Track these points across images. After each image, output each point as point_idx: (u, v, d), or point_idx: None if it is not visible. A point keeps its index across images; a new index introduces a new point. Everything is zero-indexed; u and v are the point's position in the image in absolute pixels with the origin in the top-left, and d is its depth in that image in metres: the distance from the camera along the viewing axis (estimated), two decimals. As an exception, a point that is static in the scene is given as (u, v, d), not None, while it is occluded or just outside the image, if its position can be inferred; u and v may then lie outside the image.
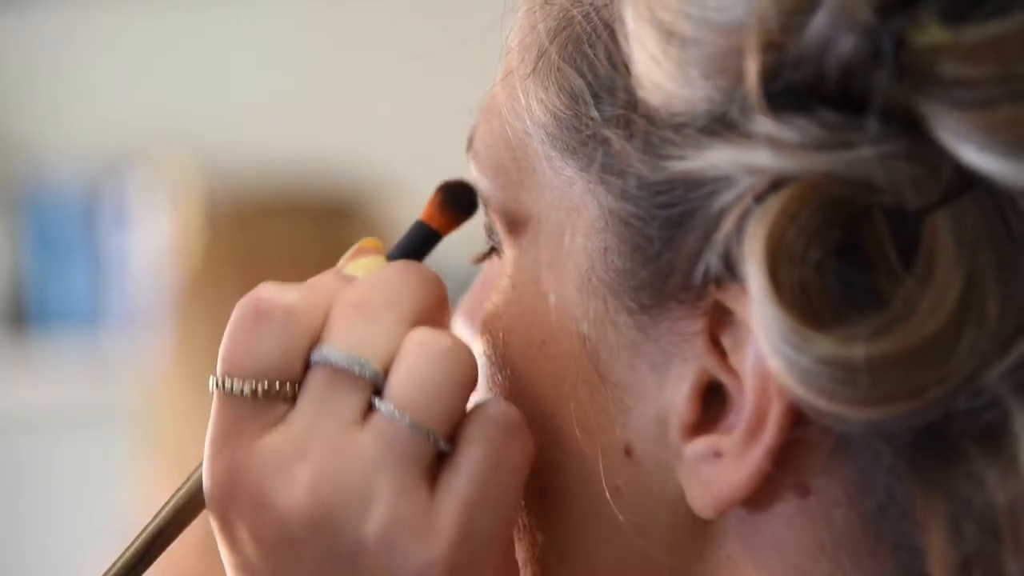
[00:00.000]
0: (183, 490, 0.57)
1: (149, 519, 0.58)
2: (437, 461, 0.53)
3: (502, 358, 0.56)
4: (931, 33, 0.46)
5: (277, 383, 0.54)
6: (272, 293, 0.55)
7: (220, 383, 0.54)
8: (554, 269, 0.55)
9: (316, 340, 0.54)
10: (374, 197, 1.75)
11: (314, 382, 0.54)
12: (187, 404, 1.52)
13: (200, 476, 0.56)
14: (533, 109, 0.55)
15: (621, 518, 0.53)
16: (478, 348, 0.58)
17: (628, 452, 0.53)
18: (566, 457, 0.55)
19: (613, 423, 0.53)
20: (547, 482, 0.55)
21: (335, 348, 0.54)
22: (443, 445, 0.53)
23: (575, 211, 0.54)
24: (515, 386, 0.56)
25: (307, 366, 0.54)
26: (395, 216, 1.74)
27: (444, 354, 0.53)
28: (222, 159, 2.37)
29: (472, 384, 0.54)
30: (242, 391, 0.54)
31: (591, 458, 0.54)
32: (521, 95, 0.55)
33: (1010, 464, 0.48)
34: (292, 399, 0.54)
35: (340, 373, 0.53)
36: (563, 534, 0.55)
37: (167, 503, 0.58)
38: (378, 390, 0.53)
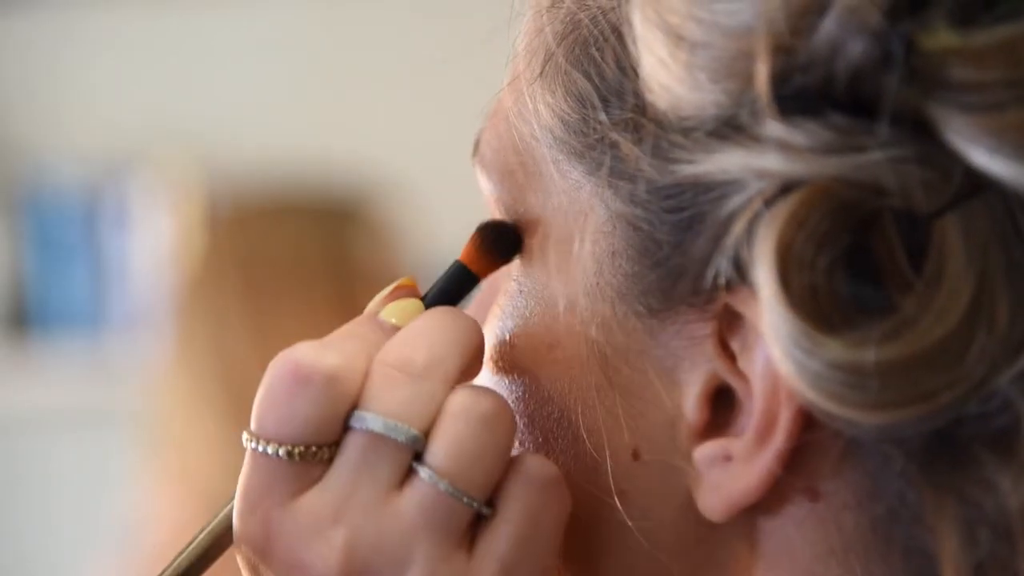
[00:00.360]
0: (209, 530, 0.57)
1: (173, 558, 0.57)
2: (475, 521, 0.53)
3: (509, 362, 0.56)
4: (941, 37, 0.46)
5: (314, 447, 0.53)
6: (311, 356, 0.54)
7: (255, 444, 0.54)
8: (562, 273, 0.55)
9: (355, 402, 0.54)
10: (375, 198, 1.75)
11: (353, 447, 0.53)
12: (188, 405, 1.52)
13: (224, 516, 0.56)
14: (540, 113, 0.55)
15: (629, 522, 0.53)
16: (486, 351, 0.57)
17: (636, 455, 0.53)
18: (575, 460, 0.55)
19: (621, 427, 0.53)
20: None
21: (375, 414, 0.53)
22: (483, 509, 0.53)
23: (583, 215, 0.54)
24: (522, 389, 0.56)
25: (345, 428, 0.53)
26: (396, 217, 1.74)
27: (486, 420, 0.53)
28: (223, 161, 2.37)
29: (512, 443, 0.54)
30: (277, 453, 0.53)
31: (599, 461, 0.54)
32: (528, 99, 0.55)
33: (1023, 469, 0.47)
34: (329, 461, 0.53)
35: (380, 439, 0.53)
36: (573, 537, 0.55)
37: (191, 543, 0.57)
38: (418, 453, 0.53)
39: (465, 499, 0.52)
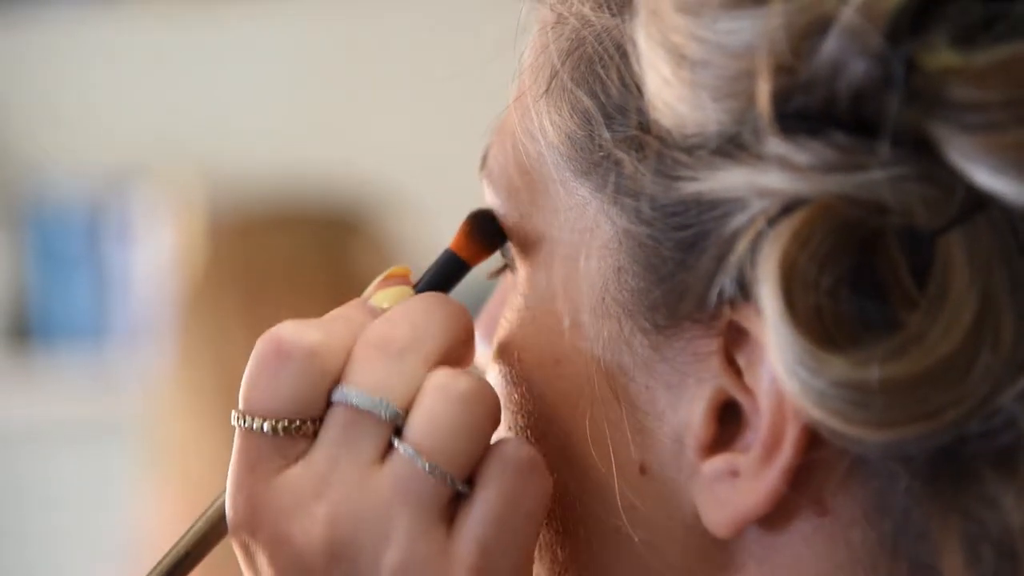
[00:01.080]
0: (207, 515, 0.58)
1: (172, 544, 0.58)
2: (455, 501, 0.54)
3: (517, 376, 0.57)
4: (941, 56, 0.46)
5: (298, 421, 0.54)
6: (293, 332, 0.55)
7: (241, 420, 0.55)
8: (568, 290, 0.55)
9: (338, 378, 0.55)
10: (375, 210, 1.75)
11: (334, 422, 0.54)
12: (189, 416, 1.52)
13: (222, 503, 0.57)
14: (546, 130, 0.55)
15: (635, 537, 0.53)
16: (494, 365, 0.58)
17: (643, 470, 0.53)
18: (582, 474, 0.55)
19: (628, 442, 0.53)
20: (563, 499, 0.55)
21: (356, 389, 0.54)
22: (461, 486, 0.53)
23: (589, 232, 0.54)
24: (530, 404, 0.56)
25: (328, 404, 0.54)
26: (396, 230, 1.74)
27: (463, 398, 0.54)
28: (225, 174, 2.37)
29: (493, 426, 0.55)
30: (262, 428, 0.54)
31: (606, 476, 0.54)
32: (534, 116, 0.55)
33: None
34: (313, 436, 0.54)
35: (360, 414, 0.54)
36: (582, 551, 0.55)
37: (191, 528, 0.58)
38: (398, 430, 0.54)
39: (442, 475, 0.53)
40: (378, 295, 0.58)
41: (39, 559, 2.50)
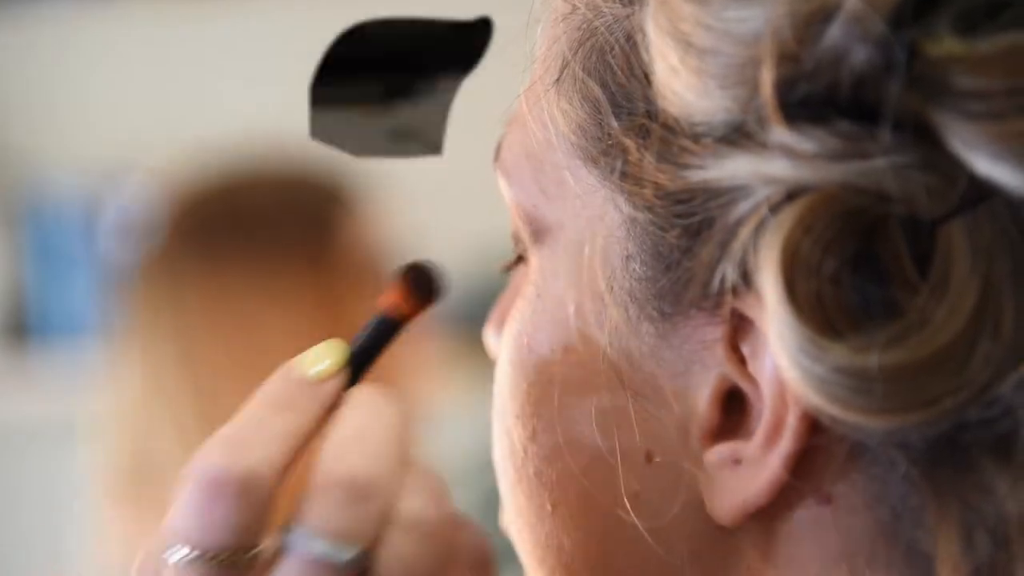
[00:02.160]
0: None
1: None
2: None
3: (525, 364, 0.57)
4: (944, 44, 0.47)
5: (239, 553, 0.51)
6: (225, 459, 0.51)
7: (174, 553, 0.51)
8: (576, 277, 0.55)
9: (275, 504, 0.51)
10: (366, 192, 1.75)
11: (292, 568, 0.51)
12: (146, 387, 1.43)
13: None
14: (557, 119, 0.55)
15: (639, 524, 0.54)
16: (504, 354, 0.58)
17: (648, 458, 0.54)
18: (588, 462, 0.55)
19: (634, 429, 0.54)
20: (571, 488, 0.56)
21: (318, 536, 0.51)
22: None
23: (597, 220, 0.54)
24: (537, 391, 0.56)
25: (284, 544, 0.51)
26: (384, 212, 1.74)
27: (435, 534, 0.52)
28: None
29: (458, 542, 0.53)
30: (199, 561, 0.51)
31: (612, 464, 0.54)
32: (545, 105, 0.56)
33: (1021, 475, 0.48)
34: (253, 565, 0.51)
35: (322, 563, 0.50)
36: (587, 540, 0.56)
37: None
38: (361, 566, 0.51)
39: None
40: (308, 357, 0.55)
41: (38, 558, 2.50)
